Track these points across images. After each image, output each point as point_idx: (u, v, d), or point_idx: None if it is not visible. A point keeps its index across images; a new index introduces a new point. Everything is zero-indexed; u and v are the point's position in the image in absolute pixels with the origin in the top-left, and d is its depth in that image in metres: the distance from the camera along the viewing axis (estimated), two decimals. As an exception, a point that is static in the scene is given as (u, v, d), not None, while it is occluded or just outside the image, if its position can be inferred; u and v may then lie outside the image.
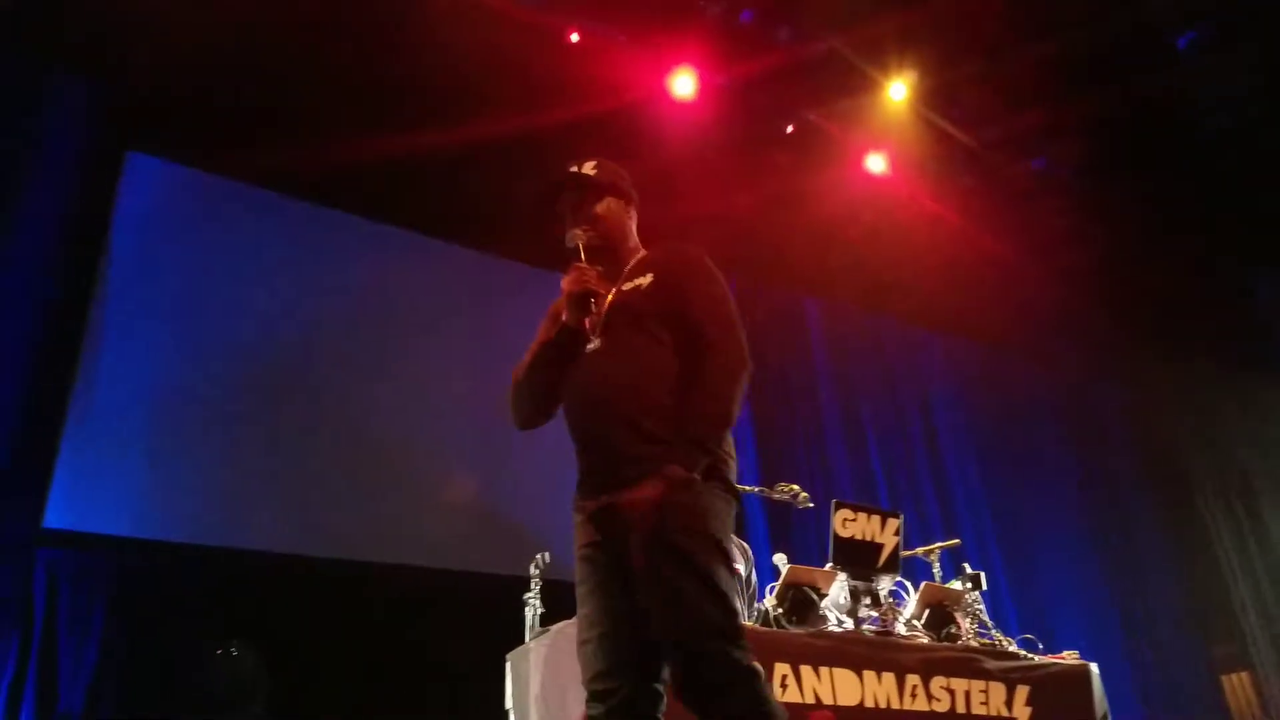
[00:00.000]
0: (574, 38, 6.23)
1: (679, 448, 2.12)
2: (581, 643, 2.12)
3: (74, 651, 4.52)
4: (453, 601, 5.19)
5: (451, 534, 5.66)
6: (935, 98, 6.98)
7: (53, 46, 5.23)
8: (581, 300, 2.32)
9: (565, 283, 2.33)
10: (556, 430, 2.38)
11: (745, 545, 4.30)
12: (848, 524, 3.51)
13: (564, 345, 2.35)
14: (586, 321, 2.32)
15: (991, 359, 8.24)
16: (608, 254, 2.46)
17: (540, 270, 6.12)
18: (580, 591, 2.18)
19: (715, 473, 2.18)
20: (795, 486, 3.79)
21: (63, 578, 4.66)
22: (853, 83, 6.84)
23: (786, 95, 6.91)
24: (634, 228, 2.57)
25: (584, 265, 2.37)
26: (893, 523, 3.61)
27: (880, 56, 6.71)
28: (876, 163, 7.28)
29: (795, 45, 6.55)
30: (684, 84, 6.51)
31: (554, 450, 2.51)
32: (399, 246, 6.18)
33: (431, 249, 6.26)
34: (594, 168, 2.52)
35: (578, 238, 2.42)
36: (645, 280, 2.36)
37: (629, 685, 2.05)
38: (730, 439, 2.29)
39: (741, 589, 4.00)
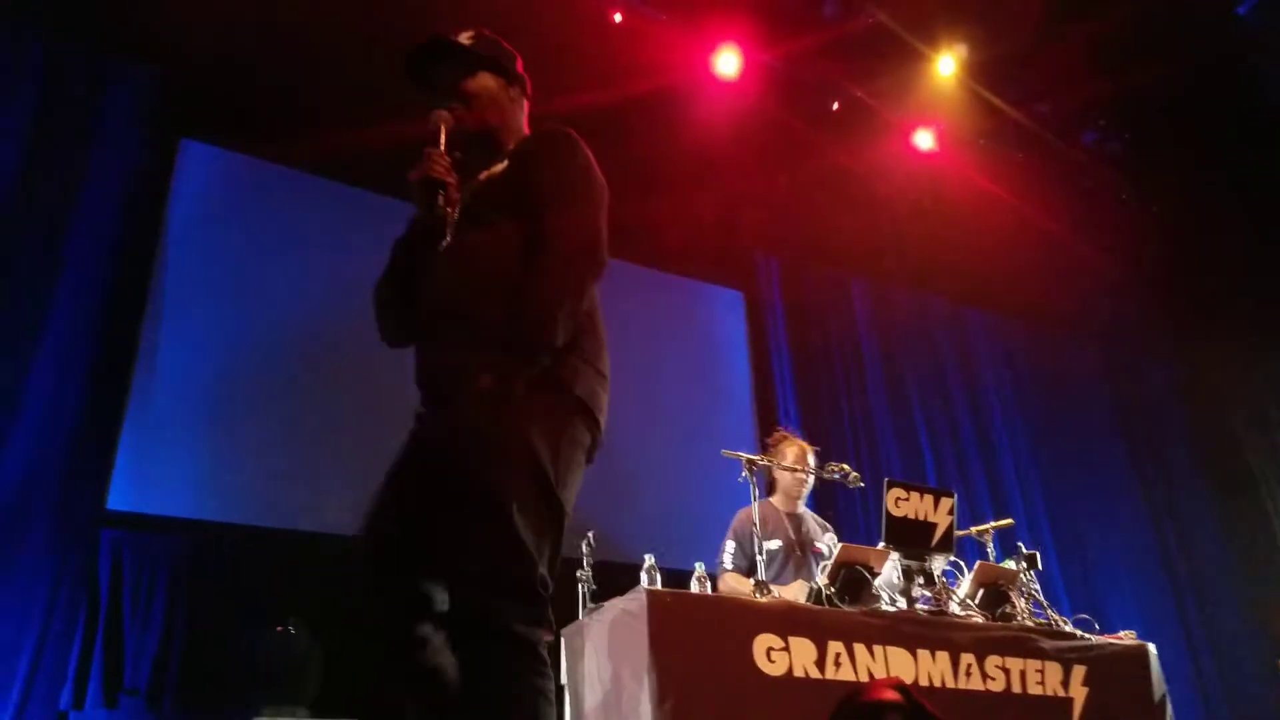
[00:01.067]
0: (617, 18, 6.21)
1: (495, 354, 1.77)
2: None
3: (138, 629, 4.63)
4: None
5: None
6: (985, 72, 6.86)
7: (110, 35, 5.32)
8: (425, 190, 1.97)
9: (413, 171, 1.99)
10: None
11: (827, 524, 4.31)
12: (900, 503, 3.48)
13: (416, 245, 2.04)
14: (447, 217, 2.00)
15: (1041, 337, 8.12)
16: (484, 140, 2.13)
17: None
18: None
19: (553, 385, 1.84)
20: (846, 466, 3.78)
21: (126, 558, 4.77)
22: (900, 58, 6.74)
23: (832, 72, 6.83)
24: (520, 114, 2.23)
25: (435, 150, 2.01)
26: (946, 502, 3.57)
27: (928, 30, 6.61)
28: (924, 139, 7.17)
29: (840, 20, 6.47)
30: (728, 62, 6.44)
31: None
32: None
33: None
34: (470, 37, 2.17)
35: (439, 118, 2.05)
36: (500, 167, 2.07)
37: None
38: (602, 354, 1.97)
39: (812, 566, 4.01)
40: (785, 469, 3.99)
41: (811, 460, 4.11)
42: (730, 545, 3.84)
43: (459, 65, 2.13)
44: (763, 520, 3.93)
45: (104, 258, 5.11)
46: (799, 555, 3.98)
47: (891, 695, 1.63)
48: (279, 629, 4.48)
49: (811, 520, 4.17)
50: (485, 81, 2.14)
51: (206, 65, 5.39)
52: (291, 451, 5.31)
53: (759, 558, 3.37)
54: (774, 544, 3.98)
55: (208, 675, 4.55)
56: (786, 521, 4.09)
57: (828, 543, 4.11)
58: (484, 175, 2.09)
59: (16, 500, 4.56)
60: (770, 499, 4.17)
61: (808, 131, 6.96)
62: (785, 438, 4.15)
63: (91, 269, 5.06)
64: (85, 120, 5.26)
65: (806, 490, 4.22)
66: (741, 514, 4.02)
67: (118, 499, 4.84)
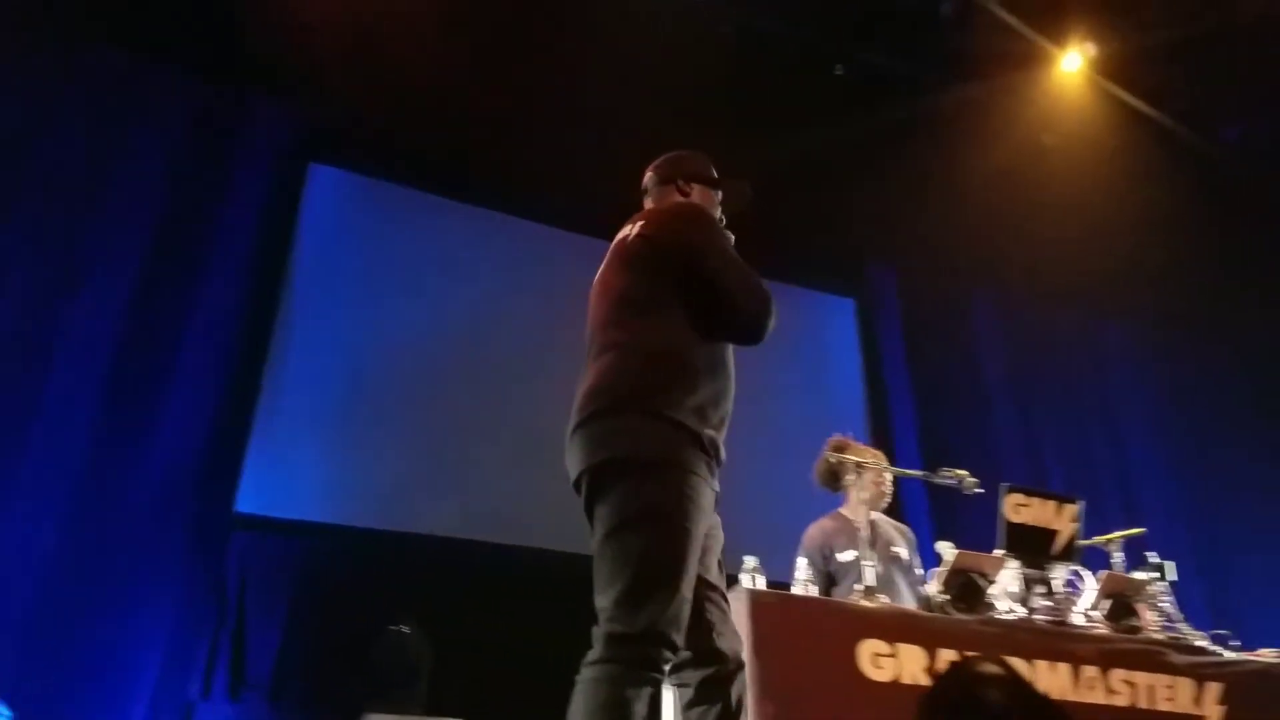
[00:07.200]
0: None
1: None
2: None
3: (263, 628, 4.82)
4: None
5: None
6: (1115, 66, 6.55)
7: (247, 69, 5.63)
8: None
9: None
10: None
11: (906, 528, 4.14)
12: (1020, 509, 3.33)
13: None
14: None
15: (1180, 344, 7.66)
16: None
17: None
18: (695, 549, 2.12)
19: None
20: (962, 471, 3.62)
21: (253, 560, 4.97)
22: (1020, 56, 6.50)
23: (949, 71, 6.62)
24: None
25: None
26: (1069, 509, 3.40)
27: (1051, 26, 6.36)
28: (1048, 139, 6.89)
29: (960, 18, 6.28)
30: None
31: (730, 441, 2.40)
32: (566, 246, 6.30)
33: (594, 247, 6.33)
34: None
35: None
36: None
37: None
38: None
39: (893, 573, 3.84)
40: (899, 473, 3.84)
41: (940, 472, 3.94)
42: (801, 562, 3.73)
43: None
44: (834, 532, 3.84)
45: (239, 273, 5.41)
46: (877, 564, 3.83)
47: (993, 669, 1.55)
48: (393, 629, 4.59)
49: (887, 525, 3.98)
50: None
51: (336, 90, 5.63)
52: (413, 458, 5.46)
53: (867, 565, 3.25)
54: (848, 555, 3.76)
55: (325, 672, 4.70)
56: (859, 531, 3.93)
57: (908, 547, 3.93)
58: None
59: (155, 502, 4.83)
60: (840, 510, 3.97)
61: (924, 134, 6.76)
62: (851, 443, 3.94)
63: (227, 283, 5.35)
64: (226, 146, 5.62)
65: (887, 497, 4.00)
66: (811, 529, 3.87)
67: (246, 502, 5.05)
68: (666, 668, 2.01)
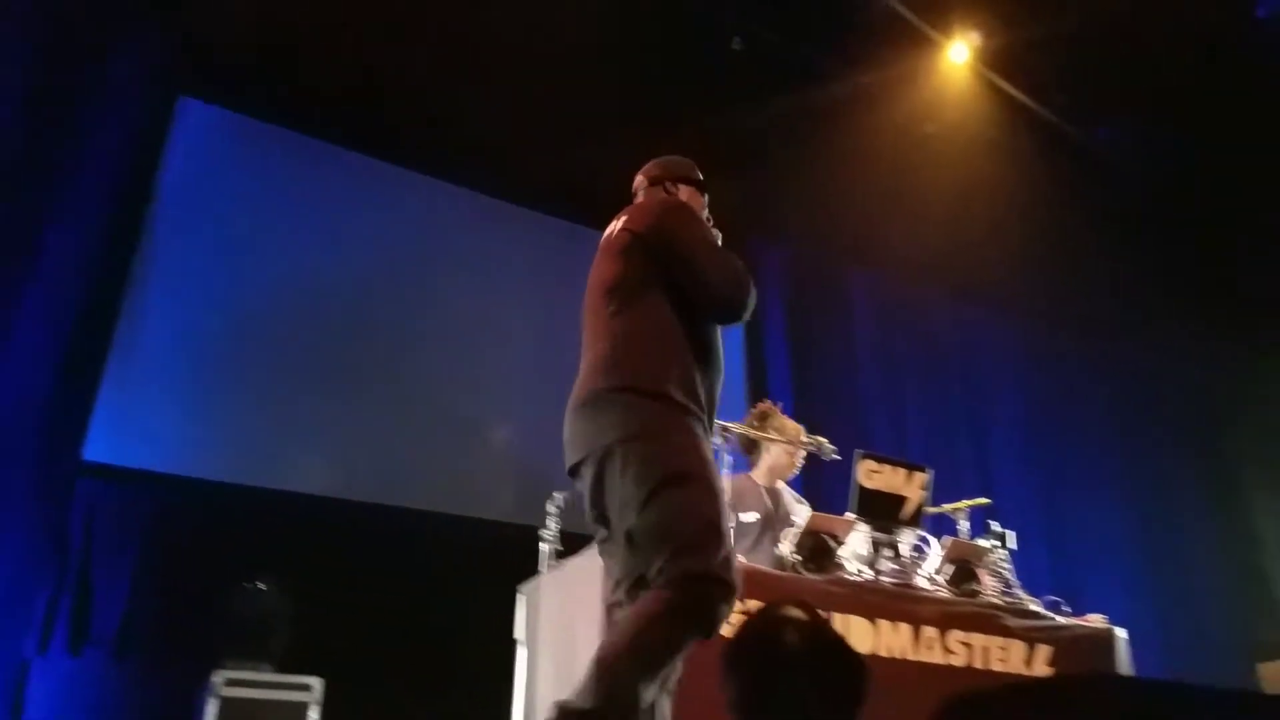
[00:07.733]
0: None
1: None
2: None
3: (107, 580, 4.60)
4: (486, 548, 5.13)
5: (488, 482, 5.66)
6: (999, 59, 6.74)
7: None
8: None
9: None
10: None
11: (802, 499, 4.21)
12: (872, 475, 3.43)
13: None
14: None
15: (1042, 330, 8.05)
16: None
17: (576, 226, 6.12)
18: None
19: None
20: (822, 439, 3.71)
21: (100, 510, 4.74)
22: (910, 44, 6.64)
23: (837, 56, 6.71)
24: None
25: None
26: (919, 476, 3.51)
27: (940, 16, 6.50)
28: (930, 127, 7.06)
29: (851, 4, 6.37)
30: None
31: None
32: (445, 198, 6.19)
33: (473, 201, 6.26)
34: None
35: None
36: None
37: None
38: None
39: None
40: (772, 440, 3.88)
41: (803, 438, 4.01)
42: None
43: None
44: (740, 493, 3.83)
45: (95, 210, 5.08)
46: (775, 530, 3.87)
47: (794, 612, 1.57)
48: (247, 585, 4.45)
49: (789, 496, 4.07)
50: None
51: (210, 21, 5.35)
52: (272, 411, 5.29)
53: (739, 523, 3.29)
54: (750, 516, 3.80)
55: (174, 628, 4.52)
56: (765, 495, 3.94)
57: (804, 517, 4.00)
58: None
59: (-5, 446, 4.55)
60: (750, 473, 4.01)
61: (810, 118, 6.84)
62: (775, 413, 4.00)
63: (81, 219, 5.01)
64: (83, 72, 5.21)
65: (796, 470, 4.10)
66: None
67: (95, 450, 4.80)
68: (723, 609, 2.07)
